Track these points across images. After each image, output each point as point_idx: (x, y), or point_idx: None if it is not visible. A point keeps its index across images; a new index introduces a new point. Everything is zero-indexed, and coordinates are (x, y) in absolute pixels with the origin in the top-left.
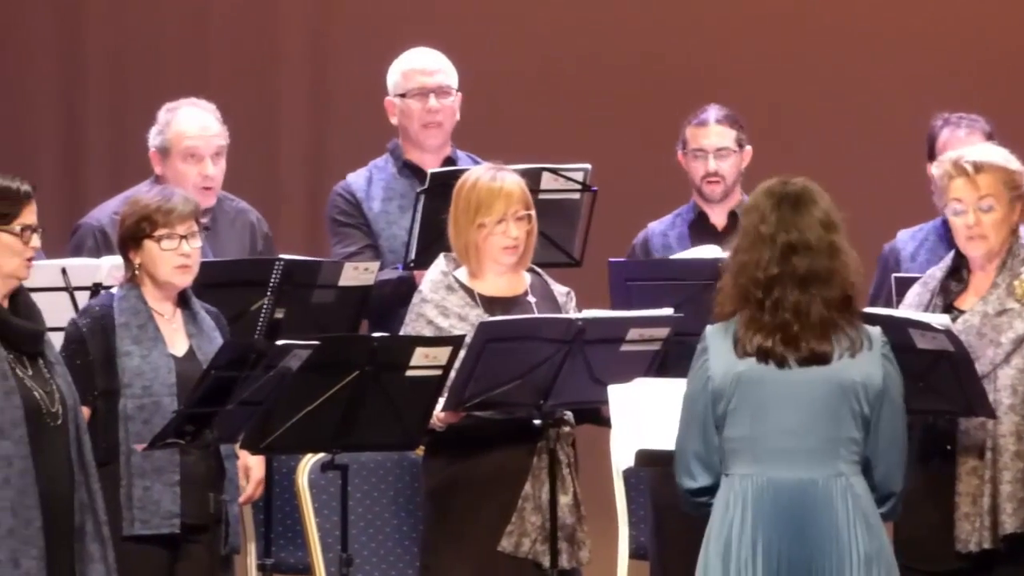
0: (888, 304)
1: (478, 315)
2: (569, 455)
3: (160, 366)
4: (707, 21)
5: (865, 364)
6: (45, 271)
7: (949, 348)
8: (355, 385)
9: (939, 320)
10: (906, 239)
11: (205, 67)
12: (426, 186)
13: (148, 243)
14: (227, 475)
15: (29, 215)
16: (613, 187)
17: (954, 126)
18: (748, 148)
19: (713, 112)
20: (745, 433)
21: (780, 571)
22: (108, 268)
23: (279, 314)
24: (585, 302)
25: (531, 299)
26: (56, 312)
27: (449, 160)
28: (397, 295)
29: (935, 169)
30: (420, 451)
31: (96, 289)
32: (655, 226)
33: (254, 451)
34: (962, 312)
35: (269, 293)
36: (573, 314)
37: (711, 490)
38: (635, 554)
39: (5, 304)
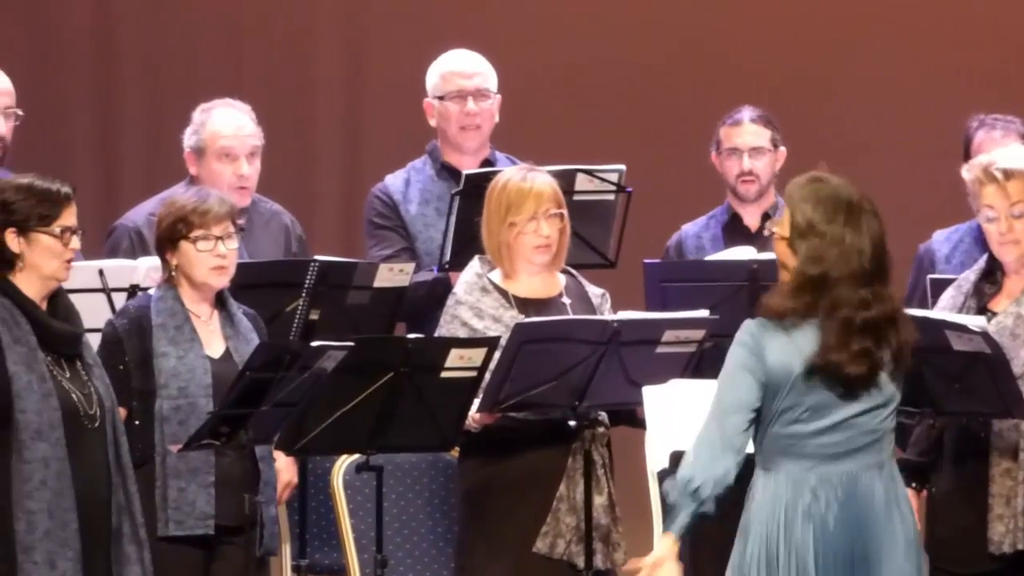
0: (923, 305)
1: (512, 316)
2: (604, 456)
3: (196, 367)
4: (741, 22)
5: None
6: (83, 272)
7: (986, 350)
8: (390, 386)
9: (976, 322)
10: (941, 240)
11: (240, 68)
12: (461, 188)
13: (184, 244)
14: (263, 477)
15: (69, 217)
16: (648, 188)
17: (989, 127)
18: (782, 149)
19: (747, 112)
20: (795, 431)
21: (830, 564)
22: (145, 269)
23: (314, 315)
24: (619, 303)
25: (566, 300)
26: (93, 313)
27: (487, 162)
28: (432, 297)
29: (966, 174)
30: (455, 452)
31: (133, 290)
32: (689, 227)
33: (289, 452)
34: (995, 314)
35: (304, 294)
36: (609, 316)
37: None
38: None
39: (44, 306)
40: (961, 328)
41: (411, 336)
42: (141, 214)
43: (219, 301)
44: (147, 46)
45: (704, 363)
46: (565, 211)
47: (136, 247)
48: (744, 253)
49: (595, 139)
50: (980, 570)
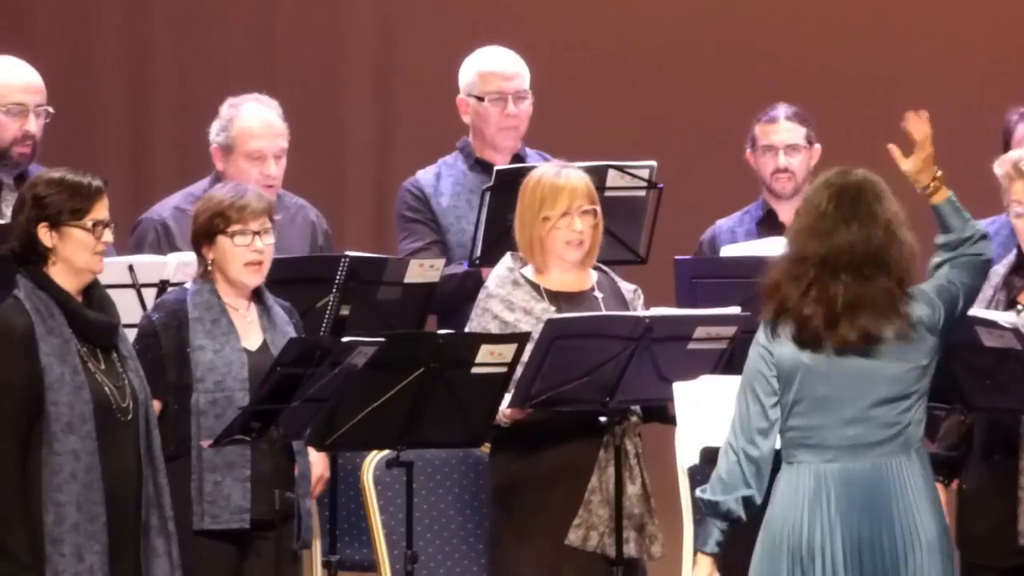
0: None
1: (544, 308)
2: (637, 445)
3: (233, 361)
4: (776, 18)
5: (925, 336)
6: (113, 268)
7: (1017, 346)
8: (420, 382)
9: (1006, 318)
10: None
11: (271, 64)
12: (491, 183)
13: (221, 239)
14: (299, 471)
15: (101, 210)
16: (679, 185)
17: None
18: (817, 146)
19: (783, 109)
20: (810, 423)
21: (852, 556)
22: (175, 265)
23: (344, 311)
24: (650, 300)
25: (598, 294)
26: (123, 309)
27: (518, 157)
28: (462, 291)
29: (997, 169)
30: (485, 448)
31: (163, 286)
32: (723, 223)
33: (319, 448)
34: None
35: (335, 290)
36: (640, 312)
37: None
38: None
39: (79, 298)
40: (992, 324)
41: (441, 332)
42: (167, 208)
43: (256, 294)
44: (178, 42)
45: (735, 360)
46: (598, 207)
47: (162, 240)
48: (774, 246)
49: (627, 135)
50: (1012, 563)
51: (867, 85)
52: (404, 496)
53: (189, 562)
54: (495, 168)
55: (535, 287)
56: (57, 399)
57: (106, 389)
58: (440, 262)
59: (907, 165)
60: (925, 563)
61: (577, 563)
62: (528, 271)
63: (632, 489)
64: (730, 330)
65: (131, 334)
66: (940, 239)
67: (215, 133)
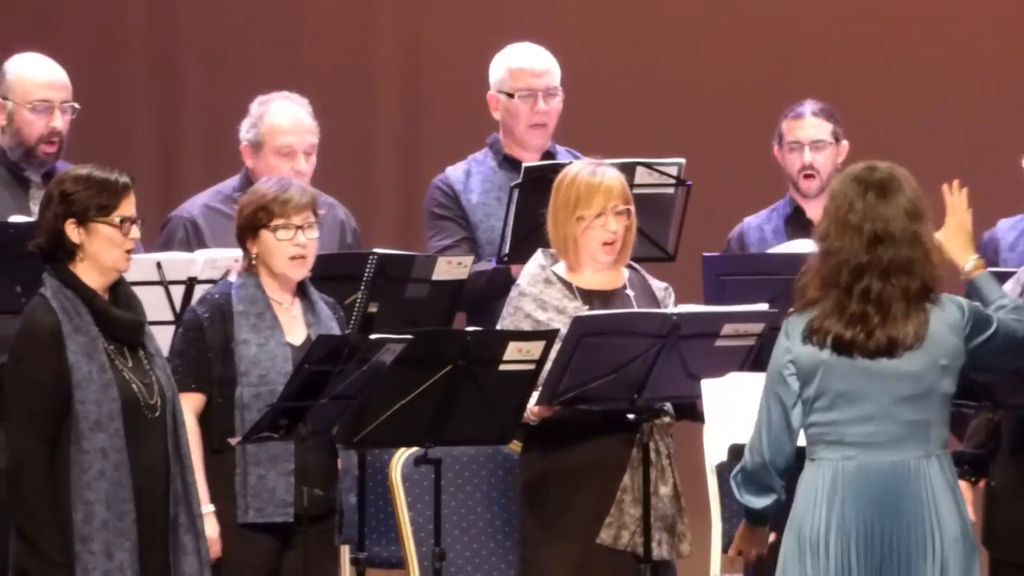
0: None
1: (576, 307)
2: (669, 446)
3: (277, 355)
4: (802, 15)
5: (947, 336)
6: (140, 265)
7: None
8: (448, 379)
9: None
10: (1007, 228)
11: (299, 61)
12: (520, 180)
13: (264, 233)
14: (342, 466)
15: (128, 207)
16: (707, 182)
17: None
18: (844, 143)
19: (809, 105)
20: (831, 419)
21: (873, 555)
22: (203, 262)
23: (373, 308)
24: (678, 297)
25: (630, 293)
26: (151, 306)
27: (547, 154)
28: (492, 288)
29: None
30: (515, 445)
31: (191, 283)
32: (751, 220)
33: (347, 445)
34: None
35: (363, 287)
36: (668, 309)
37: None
38: (728, 548)
39: (106, 296)
40: None
41: (469, 329)
42: (196, 205)
43: (300, 289)
44: (206, 39)
45: (763, 356)
46: (632, 207)
47: (191, 238)
48: (803, 246)
49: (656, 132)
50: None
51: (895, 81)
52: (432, 493)
53: (232, 555)
54: (524, 165)
55: (567, 285)
56: (85, 397)
57: (133, 387)
58: (468, 259)
59: (941, 234)
60: (948, 559)
61: (607, 562)
62: (560, 268)
63: (664, 490)
64: (758, 327)
65: (158, 331)
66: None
67: (245, 130)
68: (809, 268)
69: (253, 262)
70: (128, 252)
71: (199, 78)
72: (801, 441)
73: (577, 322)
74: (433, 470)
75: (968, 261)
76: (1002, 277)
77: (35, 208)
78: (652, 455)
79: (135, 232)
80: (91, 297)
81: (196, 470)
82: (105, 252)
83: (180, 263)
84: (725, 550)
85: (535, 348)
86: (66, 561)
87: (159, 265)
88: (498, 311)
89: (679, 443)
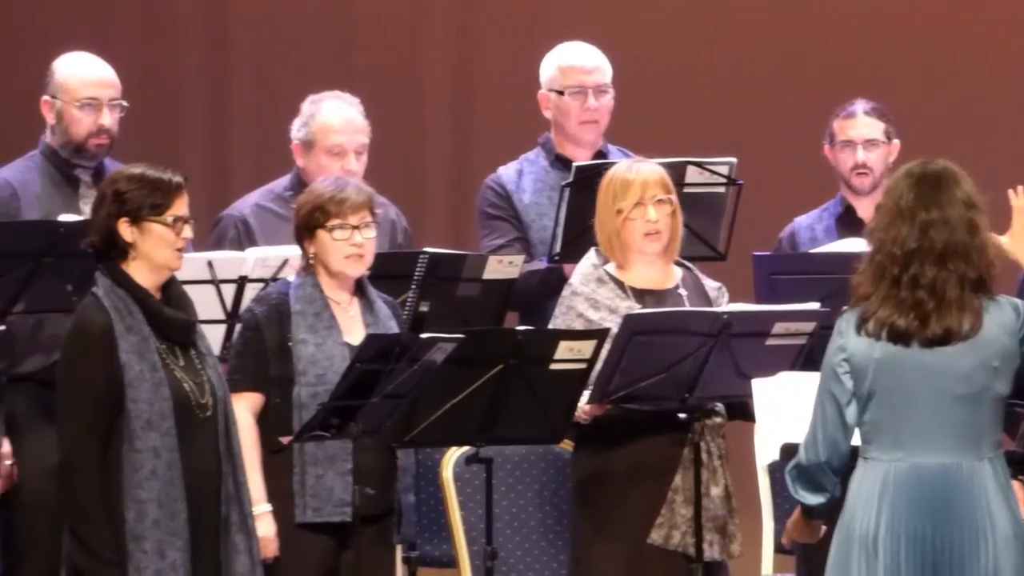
0: None
1: (628, 307)
2: (720, 446)
3: (335, 355)
4: (852, 17)
5: (1000, 337)
6: (192, 264)
7: None
8: (499, 378)
9: None
10: None
11: (349, 60)
12: (571, 179)
13: (321, 233)
14: (401, 465)
15: (181, 206)
16: (759, 181)
17: None
18: (896, 141)
19: (861, 104)
20: (884, 417)
21: (924, 556)
22: (254, 261)
23: (424, 307)
24: (730, 296)
25: (683, 292)
26: (202, 305)
27: (600, 154)
28: (544, 287)
29: None
30: (566, 444)
31: (241, 282)
32: (802, 220)
33: (399, 444)
34: None
35: (414, 286)
36: (719, 308)
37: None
38: (780, 548)
39: (157, 295)
40: None
41: (520, 328)
42: (247, 204)
43: (359, 288)
44: (258, 38)
45: (814, 355)
46: (674, 197)
47: (242, 237)
48: (854, 245)
49: (708, 131)
50: None
51: (947, 80)
52: (484, 492)
53: (289, 555)
54: (574, 164)
55: (619, 284)
56: (137, 396)
57: (185, 386)
58: (519, 258)
59: (1007, 236)
60: (1000, 558)
61: (658, 561)
62: (612, 267)
63: (715, 491)
64: (809, 326)
65: (209, 330)
66: None
67: (296, 129)
68: (862, 264)
69: (311, 262)
70: (180, 251)
71: (250, 77)
72: (856, 440)
73: (628, 320)
74: (484, 469)
75: None
76: None
77: (84, 207)
78: (704, 456)
79: (187, 231)
80: (143, 296)
81: (253, 470)
82: (157, 251)
83: (231, 262)
84: (777, 550)
85: (586, 347)
86: (118, 559)
87: (210, 264)
88: (550, 310)
89: (729, 442)
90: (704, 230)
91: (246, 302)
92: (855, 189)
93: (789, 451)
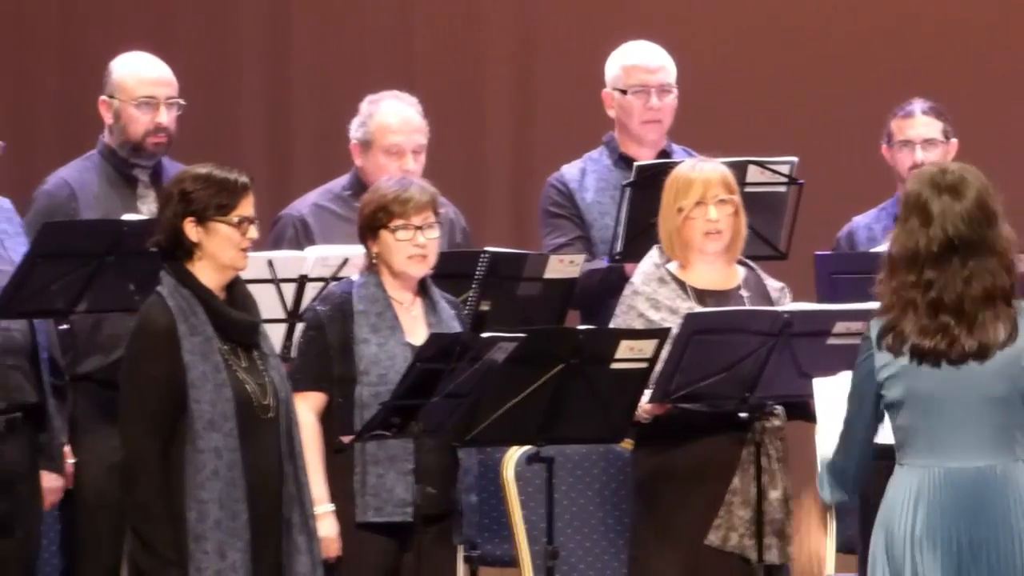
0: None
1: (689, 308)
2: (779, 449)
3: (396, 355)
4: (914, 14)
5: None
6: (252, 263)
7: None
8: (560, 378)
9: None
10: None
11: (410, 59)
12: (633, 178)
13: (384, 233)
14: (462, 466)
15: (247, 206)
16: (820, 180)
17: None
18: (954, 141)
19: (919, 104)
20: (916, 424)
21: (960, 559)
22: (314, 260)
23: (485, 306)
24: (791, 295)
25: (744, 293)
26: (262, 305)
27: (663, 153)
28: (605, 286)
29: None
30: (627, 444)
31: (302, 281)
32: (860, 219)
33: (460, 444)
34: None
35: (475, 285)
36: (780, 307)
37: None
38: (843, 548)
39: (222, 295)
40: None
41: (581, 328)
42: (306, 204)
43: (422, 288)
44: (318, 37)
45: None
46: (737, 197)
47: (301, 237)
48: None
49: (769, 130)
50: None
51: (1003, 78)
52: (545, 492)
53: (351, 554)
54: (636, 163)
55: (681, 284)
56: (199, 397)
57: (247, 387)
58: (580, 258)
59: None
60: None
61: (716, 563)
62: (674, 267)
63: (774, 494)
64: None
65: (270, 329)
66: None
67: (354, 129)
68: (882, 272)
69: (374, 261)
70: (245, 251)
71: (311, 77)
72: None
73: (689, 319)
74: (545, 468)
75: None
76: None
77: (143, 207)
78: (763, 459)
79: (253, 232)
80: (207, 297)
81: (316, 470)
82: (223, 251)
83: (291, 261)
84: (840, 549)
85: (647, 346)
86: (179, 559)
87: (271, 263)
88: (611, 310)
89: (790, 442)
90: (765, 229)
91: (306, 301)
92: None
93: None
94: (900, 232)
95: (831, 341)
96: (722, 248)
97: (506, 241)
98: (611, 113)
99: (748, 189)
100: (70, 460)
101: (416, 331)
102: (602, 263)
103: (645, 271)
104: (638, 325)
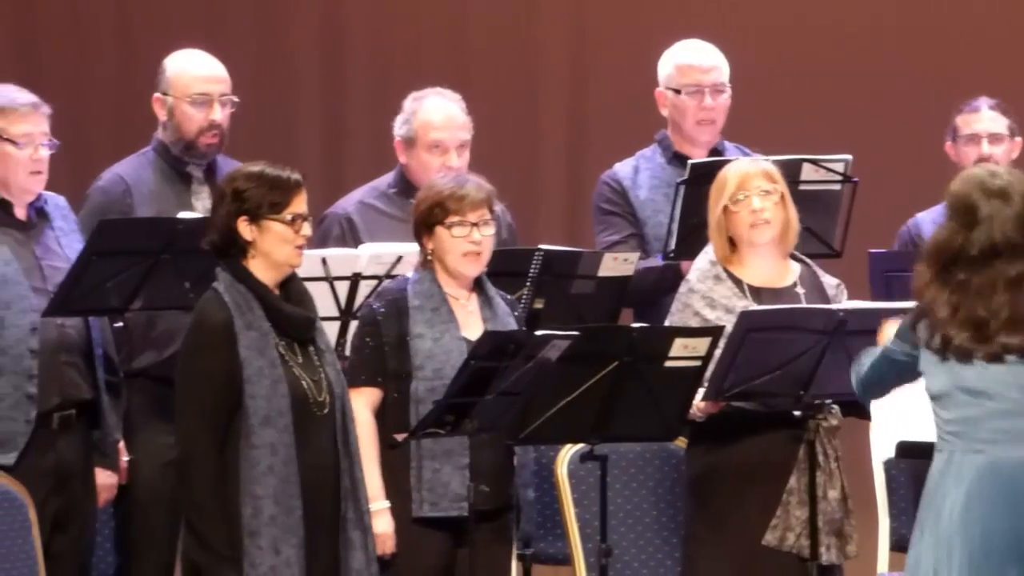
0: None
1: (745, 306)
2: (836, 448)
3: (452, 350)
4: (969, 13)
5: None
6: (306, 261)
7: None
8: (614, 376)
9: None
10: None
11: (465, 58)
12: (686, 176)
13: (440, 230)
14: (518, 462)
15: (300, 204)
16: (874, 178)
17: None
18: (1019, 138)
19: (985, 100)
20: (958, 415)
21: (1004, 549)
22: (368, 258)
23: (539, 304)
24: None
25: (800, 290)
26: (316, 302)
27: (716, 151)
28: (660, 283)
29: None
30: (681, 442)
31: (355, 279)
32: (923, 216)
33: (514, 441)
34: None
35: (529, 283)
36: (834, 305)
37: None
38: (896, 546)
39: (277, 292)
40: None
41: (635, 326)
42: (351, 202)
43: (477, 284)
44: (373, 36)
45: None
46: (780, 186)
47: (346, 235)
48: None
49: (824, 128)
50: None
51: None
52: (598, 490)
53: (407, 550)
54: (690, 162)
55: (737, 282)
56: (255, 392)
57: (303, 383)
58: (634, 256)
59: None
60: None
61: (772, 562)
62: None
63: (832, 494)
64: None
65: (325, 327)
66: None
67: (398, 126)
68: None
69: (429, 258)
70: (300, 249)
71: (365, 75)
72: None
73: (743, 317)
74: (599, 466)
75: None
76: None
77: (197, 204)
78: (820, 458)
79: (306, 229)
80: (263, 293)
81: (371, 465)
82: (277, 249)
83: (345, 259)
84: (893, 547)
85: (701, 344)
86: (234, 555)
87: (324, 261)
88: (665, 307)
89: (844, 439)
90: (820, 227)
91: (359, 299)
92: None
93: (905, 449)
94: (941, 229)
95: None
96: (771, 238)
97: (560, 239)
98: (664, 112)
99: (803, 187)
100: (124, 457)
101: (472, 326)
102: (656, 261)
103: (700, 268)
104: (694, 324)
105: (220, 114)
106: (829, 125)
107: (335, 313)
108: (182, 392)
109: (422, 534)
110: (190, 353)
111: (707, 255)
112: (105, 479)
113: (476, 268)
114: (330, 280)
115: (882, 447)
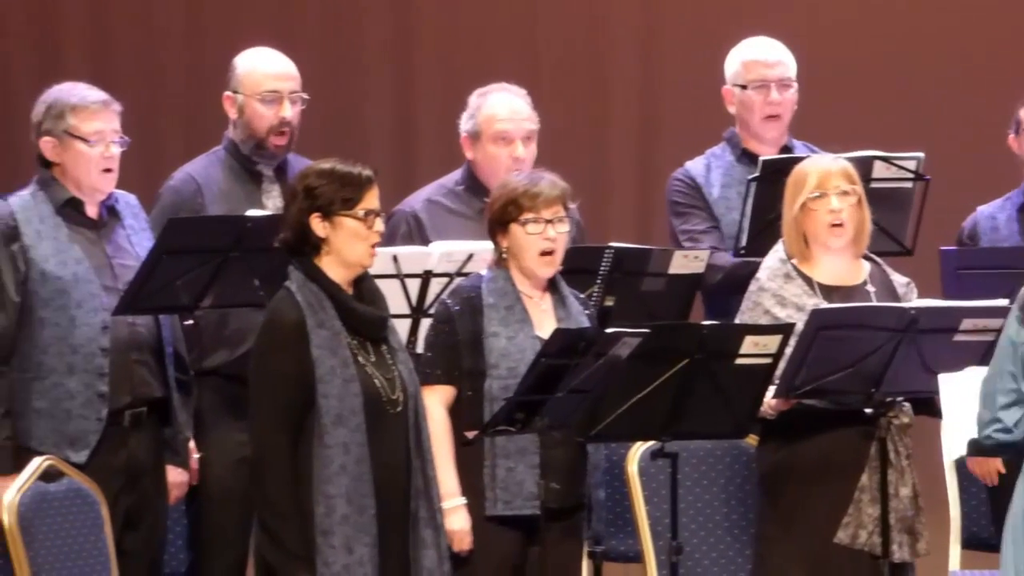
0: None
1: (815, 304)
2: (908, 446)
3: (526, 348)
4: None
5: None
6: (377, 259)
7: None
8: (685, 373)
9: None
10: None
11: (535, 55)
12: (757, 173)
13: (514, 227)
14: (590, 461)
15: (372, 200)
16: (947, 175)
17: None
18: None
19: None
20: None
21: None
22: (439, 256)
23: (609, 302)
24: (918, 291)
25: (870, 289)
26: (387, 299)
27: (785, 149)
28: (731, 281)
29: None
30: (752, 439)
31: (427, 277)
32: (984, 209)
33: (585, 439)
34: None
35: (599, 281)
36: (906, 303)
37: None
38: (967, 544)
39: (349, 290)
40: None
41: (706, 323)
42: (419, 200)
43: (551, 283)
44: (443, 33)
45: None
46: (858, 187)
47: (414, 232)
48: None
49: (895, 125)
50: None
51: None
52: (669, 487)
53: (480, 548)
54: (761, 158)
55: (807, 280)
56: (328, 392)
57: (376, 381)
58: (704, 253)
59: None
60: None
61: (844, 561)
62: (799, 261)
63: (904, 491)
64: (997, 322)
65: (396, 325)
66: None
67: (464, 122)
68: None
69: (503, 256)
70: (373, 246)
71: (436, 73)
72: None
73: (815, 315)
74: (670, 464)
75: None
76: None
77: (267, 202)
78: (891, 456)
79: (379, 225)
80: (335, 292)
81: (446, 463)
82: (350, 246)
83: (416, 256)
84: (964, 545)
85: (772, 342)
86: (306, 554)
87: (395, 259)
88: (736, 305)
89: (915, 437)
90: (891, 225)
91: (430, 297)
92: None
93: (976, 447)
94: None
95: (958, 338)
96: (846, 242)
97: (630, 237)
98: (731, 109)
99: (874, 185)
100: (195, 455)
101: (546, 325)
102: (727, 257)
103: (771, 266)
104: (764, 322)
105: (290, 111)
106: (898, 122)
107: (406, 311)
108: (256, 392)
109: (494, 532)
110: (263, 353)
111: (777, 253)
112: (176, 477)
113: (550, 270)
114: (401, 278)
115: (953, 445)
